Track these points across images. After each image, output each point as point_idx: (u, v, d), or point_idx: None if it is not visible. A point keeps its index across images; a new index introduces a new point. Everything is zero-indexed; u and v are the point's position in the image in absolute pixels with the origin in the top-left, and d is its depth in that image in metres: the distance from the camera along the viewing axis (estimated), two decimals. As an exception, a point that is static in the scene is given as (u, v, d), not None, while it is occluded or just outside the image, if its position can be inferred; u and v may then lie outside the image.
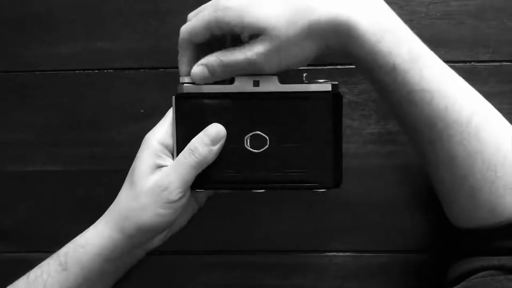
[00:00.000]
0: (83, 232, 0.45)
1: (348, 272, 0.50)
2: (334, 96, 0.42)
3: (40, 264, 0.45)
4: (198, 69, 0.42)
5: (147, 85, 0.50)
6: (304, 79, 0.43)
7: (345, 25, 0.38)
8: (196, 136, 0.42)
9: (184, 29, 0.42)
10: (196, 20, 0.41)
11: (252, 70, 0.41)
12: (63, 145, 0.51)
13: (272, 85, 0.42)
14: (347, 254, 0.50)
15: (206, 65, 0.41)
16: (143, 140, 0.44)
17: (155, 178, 0.42)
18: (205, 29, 0.41)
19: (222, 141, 0.42)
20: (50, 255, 0.45)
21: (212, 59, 0.41)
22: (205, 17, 0.40)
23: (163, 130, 0.44)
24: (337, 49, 0.40)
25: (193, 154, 0.42)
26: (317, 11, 0.38)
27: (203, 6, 0.42)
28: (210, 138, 0.42)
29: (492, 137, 0.38)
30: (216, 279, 0.51)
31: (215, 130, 0.42)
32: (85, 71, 0.51)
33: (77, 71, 0.51)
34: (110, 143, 0.51)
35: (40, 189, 0.52)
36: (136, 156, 0.44)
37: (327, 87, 0.42)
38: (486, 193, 0.38)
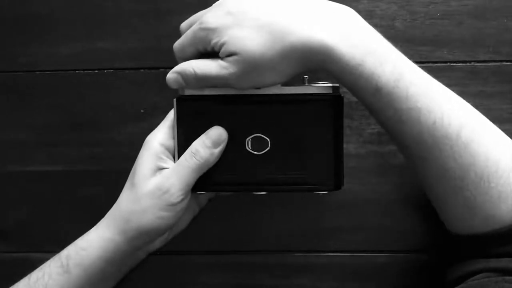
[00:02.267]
0: (85, 235, 0.45)
1: (348, 272, 0.50)
2: (335, 98, 0.42)
3: (41, 266, 0.45)
4: (172, 76, 0.42)
5: (147, 85, 0.50)
6: (305, 81, 0.43)
7: (319, 49, 0.38)
8: (198, 139, 0.42)
9: (175, 46, 0.43)
10: (184, 37, 0.43)
11: (225, 86, 0.41)
12: (63, 145, 0.51)
13: (273, 88, 0.42)
14: (347, 254, 0.50)
15: (180, 74, 0.42)
16: (144, 142, 0.44)
17: (156, 180, 0.42)
18: (192, 46, 0.42)
19: (224, 144, 0.42)
20: (50, 255, 0.45)
21: (187, 69, 0.41)
22: (190, 35, 0.42)
23: (164, 132, 0.44)
24: (317, 69, 0.40)
25: (194, 157, 0.42)
26: (291, 35, 0.38)
27: (192, 19, 0.43)
28: (211, 141, 0.42)
29: (483, 149, 0.38)
30: (216, 279, 0.51)
31: (217, 132, 0.42)
32: (85, 71, 0.51)
33: (77, 71, 0.51)
34: (110, 143, 0.51)
35: (40, 189, 0.52)
36: (137, 158, 0.44)
37: (328, 89, 0.42)
38: (480, 202, 0.38)
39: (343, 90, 0.48)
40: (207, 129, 0.43)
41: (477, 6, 0.48)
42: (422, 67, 0.48)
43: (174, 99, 0.43)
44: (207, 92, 0.43)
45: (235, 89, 0.42)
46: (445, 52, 0.48)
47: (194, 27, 0.41)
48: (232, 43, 0.39)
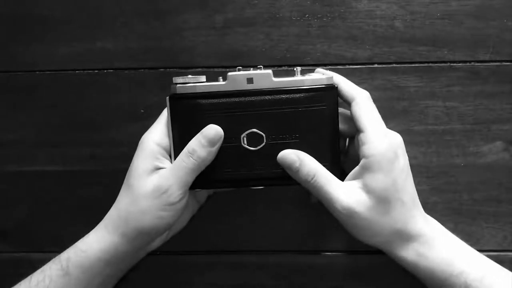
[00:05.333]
0: (84, 237, 0.45)
1: (348, 272, 0.50)
2: (329, 89, 0.42)
3: (42, 268, 0.44)
4: (292, 157, 0.43)
5: (147, 85, 0.50)
6: (297, 73, 0.43)
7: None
8: (194, 138, 0.42)
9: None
10: None
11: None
12: (63, 145, 0.51)
13: (266, 82, 0.42)
14: (347, 254, 0.50)
15: (300, 163, 0.42)
16: (140, 142, 0.44)
17: (154, 181, 0.42)
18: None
19: (220, 142, 0.43)
20: (50, 255, 0.45)
21: (311, 170, 0.42)
22: None
23: (159, 131, 0.44)
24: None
25: (191, 157, 0.42)
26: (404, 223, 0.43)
27: None
28: (207, 140, 0.42)
29: None
30: (216, 279, 0.51)
31: (213, 131, 0.42)
32: (85, 71, 0.51)
33: (77, 71, 0.51)
34: (110, 143, 0.51)
35: (40, 189, 0.52)
36: (133, 159, 0.44)
37: (322, 81, 0.42)
38: None
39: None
40: (202, 126, 0.42)
41: (477, 6, 0.48)
42: (422, 67, 0.49)
43: (167, 98, 0.43)
44: (199, 89, 0.43)
45: (228, 85, 0.42)
46: (445, 52, 0.48)
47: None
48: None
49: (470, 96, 0.48)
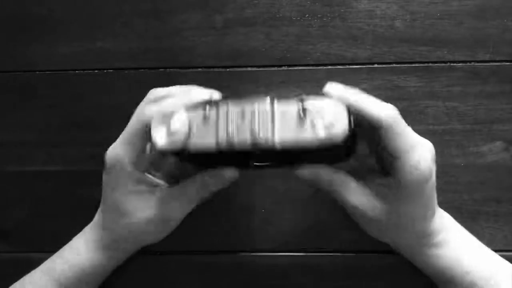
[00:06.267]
0: (77, 256, 0.45)
1: (349, 272, 0.50)
2: (348, 139, 0.34)
3: (34, 282, 0.45)
4: (310, 175, 0.41)
5: (147, 85, 0.50)
6: (302, 114, 0.35)
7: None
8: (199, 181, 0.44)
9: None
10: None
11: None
12: (63, 145, 0.51)
13: (268, 145, 0.35)
14: (347, 254, 0.50)
15: (318, 178, 0.41)
16: (113, 164, 0.42)
17: (154, 208, 0.43)
18: None
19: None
20: (50, 255, 0.45)
21: (337, 182, 0.41)
22: None
23: (129, 149, 0.41)
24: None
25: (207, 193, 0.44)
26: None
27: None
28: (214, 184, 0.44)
29: None
30: (216, 279, 0.51)
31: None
32: (85, 71, 0.51)
33: (77, 71, 0.51)
34: (110, 143, 0.51)
35: (40, 189, 0.52)
36: (114, 182, 0.42)
37: (337, 137, 0.33)
38: None
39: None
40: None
41: (477, 6, 0.48)
42: (422, 67, 0.49)
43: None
44: (187, 147, 0.36)
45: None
46: (445, 52, 0.48)
47: None
48: None
49: (470, 96, 0.48)
